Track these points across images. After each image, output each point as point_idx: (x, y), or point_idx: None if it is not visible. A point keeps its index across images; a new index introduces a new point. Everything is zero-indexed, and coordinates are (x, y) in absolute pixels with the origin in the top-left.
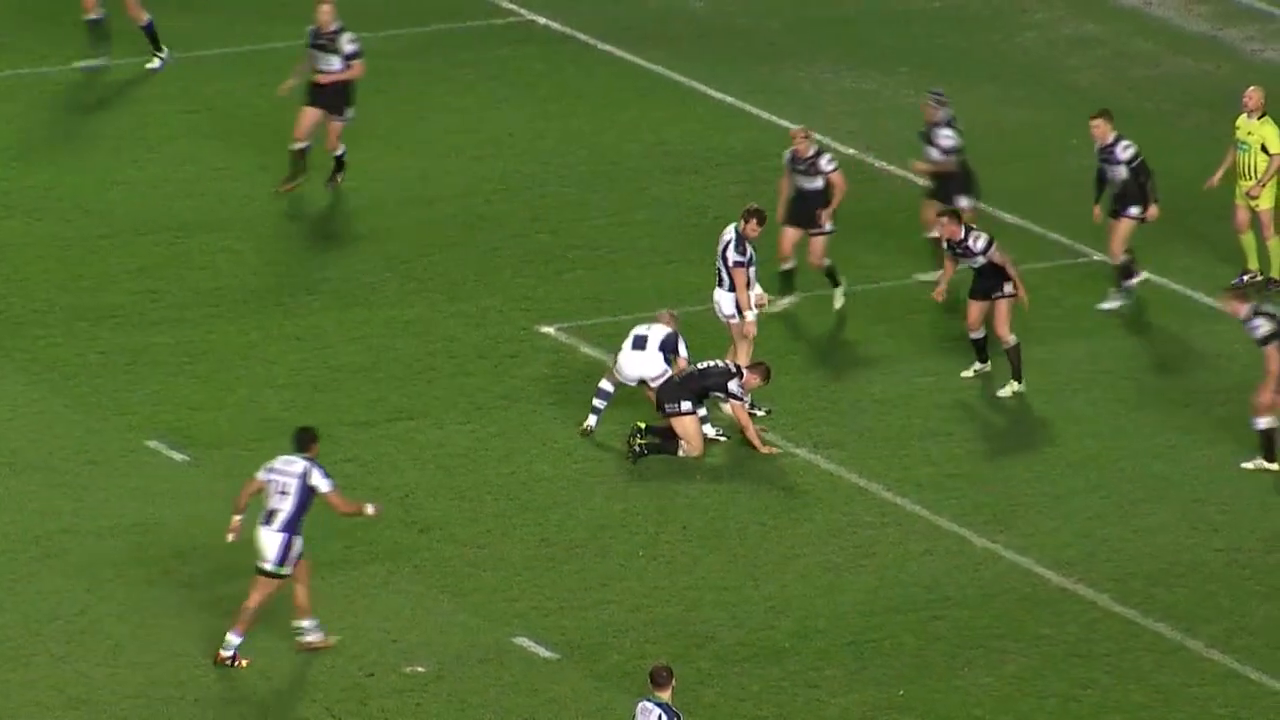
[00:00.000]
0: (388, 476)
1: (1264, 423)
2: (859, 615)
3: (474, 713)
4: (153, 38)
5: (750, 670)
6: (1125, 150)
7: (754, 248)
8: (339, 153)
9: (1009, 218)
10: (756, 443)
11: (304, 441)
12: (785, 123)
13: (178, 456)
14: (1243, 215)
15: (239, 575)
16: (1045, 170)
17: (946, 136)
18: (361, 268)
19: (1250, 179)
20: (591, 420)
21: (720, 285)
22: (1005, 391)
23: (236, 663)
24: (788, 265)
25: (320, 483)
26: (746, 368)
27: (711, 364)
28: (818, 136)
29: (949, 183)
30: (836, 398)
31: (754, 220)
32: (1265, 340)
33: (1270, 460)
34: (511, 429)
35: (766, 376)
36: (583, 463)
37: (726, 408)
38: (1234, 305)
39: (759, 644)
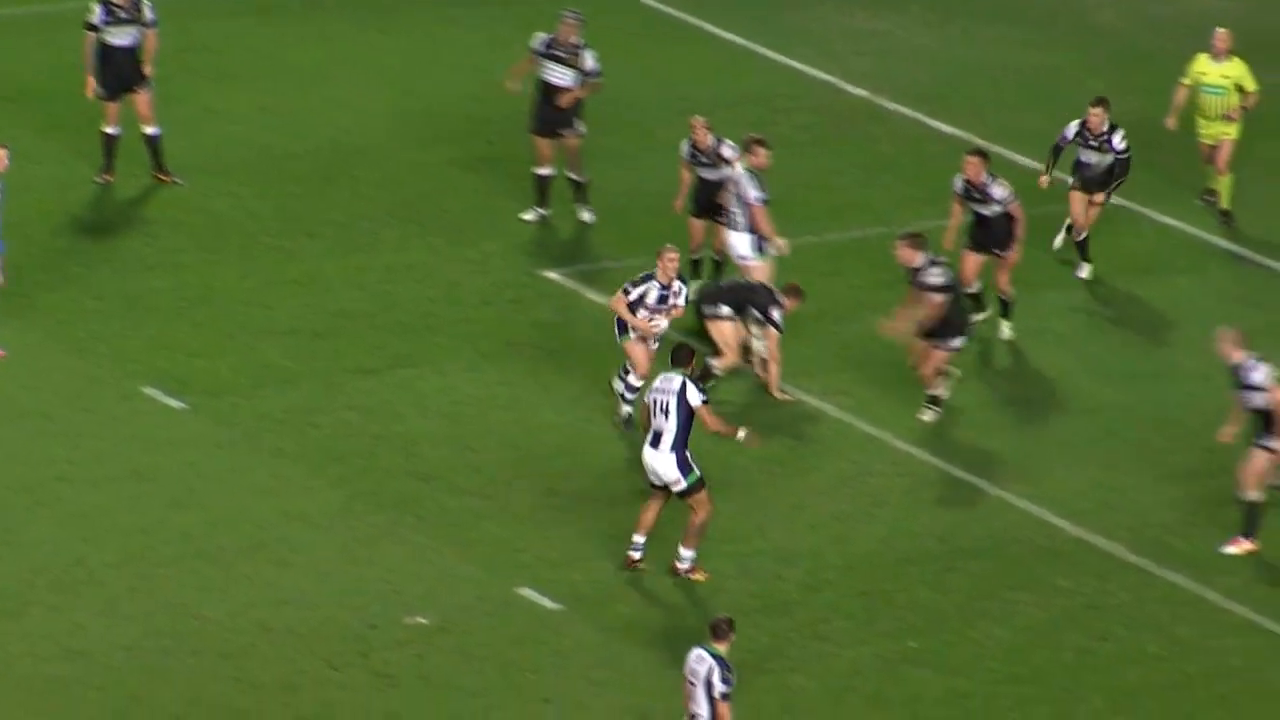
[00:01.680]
0: (390, 425)
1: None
2: (869, 566)
3: (477, 665)
4: None
5: (759, 622)
6: (1122, 141)
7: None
8: (152, 131)
9: (1023, 160)
10: (775, 383)
11: (682, 357)
12: (796, 64)
13: (175, 404)
14: (1214, 151)
15: (238, 523)
16: (1063, 113)
17: (592, 58)
18: (363, 212)
19: (1224, 122)
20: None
21: (733, 228)
22: (1006, 333)
23: (695, 574)
24: (697, 256)
25: (694, 397)
26: (781, 291)
27: (759, 282)
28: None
29: (570, 112)
30: (847, 345)
31: (761, 150)
32: (939, 289)
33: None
34: (516, 376)
35: (799, 295)
36: (589, 411)
37: (759, 345)
38: (908, 253)
39: (767, 595)
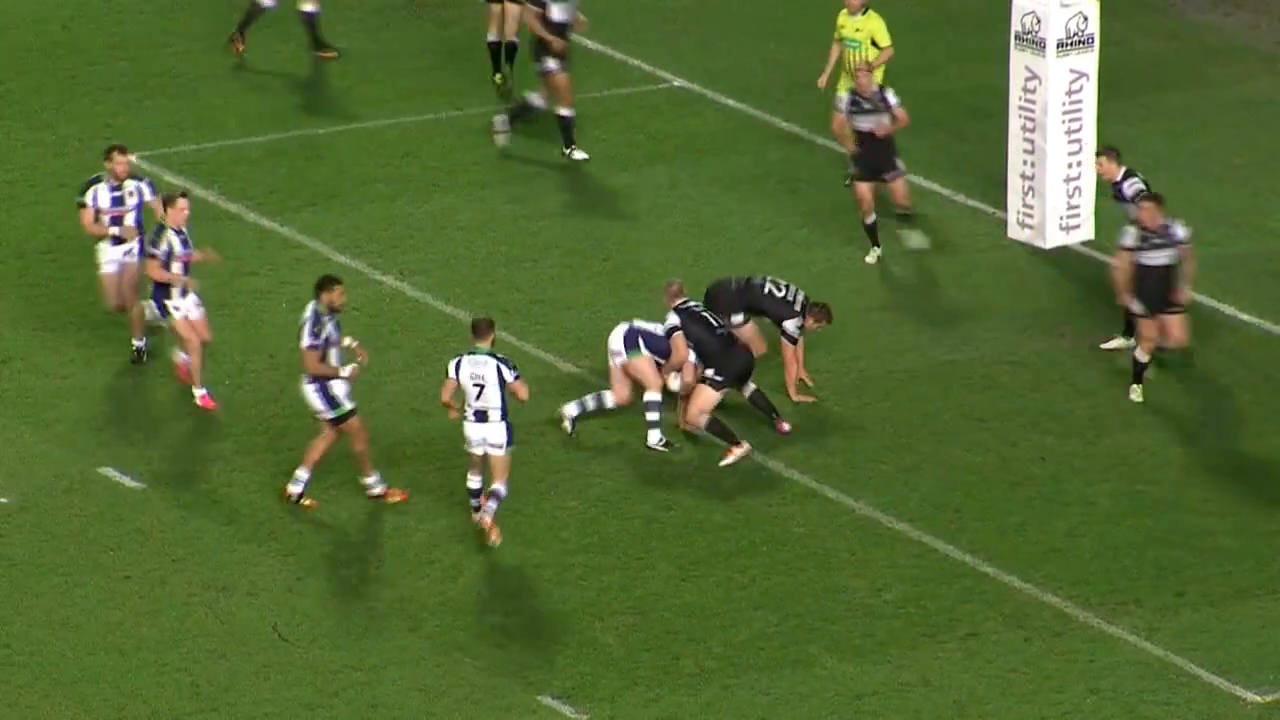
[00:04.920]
0: None
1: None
2: (446, 441)
3: (58, 544)
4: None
5: (338, 497)
6: (1132, 187)
7: None
8: None
9: (591, 44)
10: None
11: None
12: None
13: None
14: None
15: None
16: None
17: None
18: None
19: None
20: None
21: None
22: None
23: (392, 494)
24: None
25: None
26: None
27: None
28: None
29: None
30: (420, 225)
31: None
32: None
33: None
34: (95, 258)
35: (827, 317)
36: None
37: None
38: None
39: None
